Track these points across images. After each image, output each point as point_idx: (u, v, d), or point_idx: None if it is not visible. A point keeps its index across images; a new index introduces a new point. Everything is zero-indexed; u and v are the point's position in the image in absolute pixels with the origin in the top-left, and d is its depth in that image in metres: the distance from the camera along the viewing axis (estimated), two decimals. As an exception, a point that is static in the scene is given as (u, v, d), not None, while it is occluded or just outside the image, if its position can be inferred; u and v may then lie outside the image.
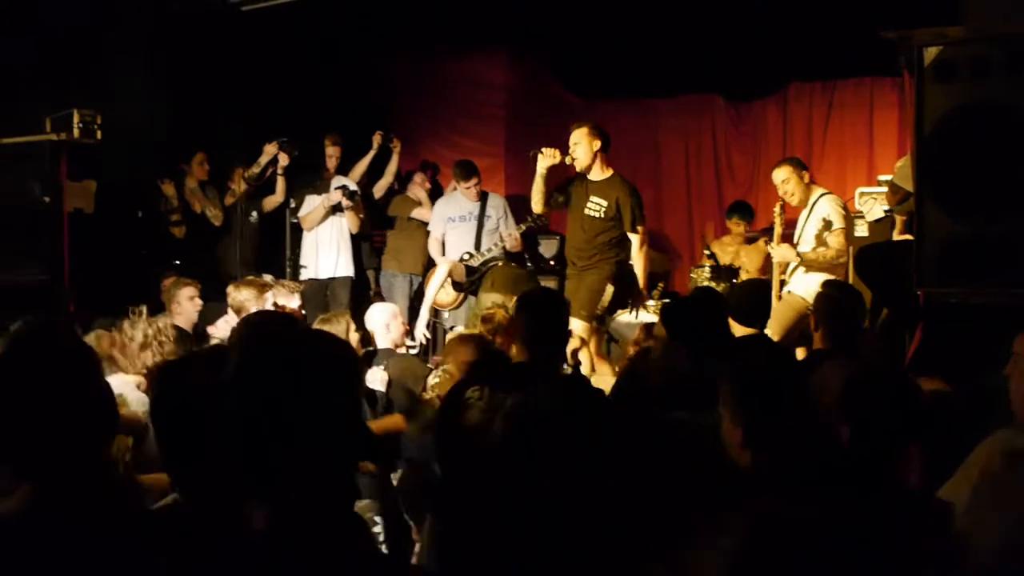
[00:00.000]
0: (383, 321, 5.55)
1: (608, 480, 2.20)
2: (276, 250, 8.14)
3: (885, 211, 7.03)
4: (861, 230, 7.25)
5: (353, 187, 8.12)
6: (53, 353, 2.04)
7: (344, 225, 8.18)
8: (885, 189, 6.95)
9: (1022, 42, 4.38)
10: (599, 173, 6.47)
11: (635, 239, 6.45)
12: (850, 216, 6.69)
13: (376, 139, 8.59)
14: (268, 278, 6.21)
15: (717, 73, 8.69)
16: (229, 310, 5.90)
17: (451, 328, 7.36)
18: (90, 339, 4.22)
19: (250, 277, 6.07)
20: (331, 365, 1.84)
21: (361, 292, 8.45)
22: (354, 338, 5.08)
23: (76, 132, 6.81)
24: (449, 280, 7.48)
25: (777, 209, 6.46)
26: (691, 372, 3.49)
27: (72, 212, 6.81)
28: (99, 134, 6.92)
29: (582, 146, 6.39)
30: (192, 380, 2.22)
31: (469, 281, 7.53)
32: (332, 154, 8.29)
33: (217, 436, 1.82)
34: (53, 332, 2.33)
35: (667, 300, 7.71)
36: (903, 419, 2.42)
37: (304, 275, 7.98)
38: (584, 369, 5.71)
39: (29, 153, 6.91)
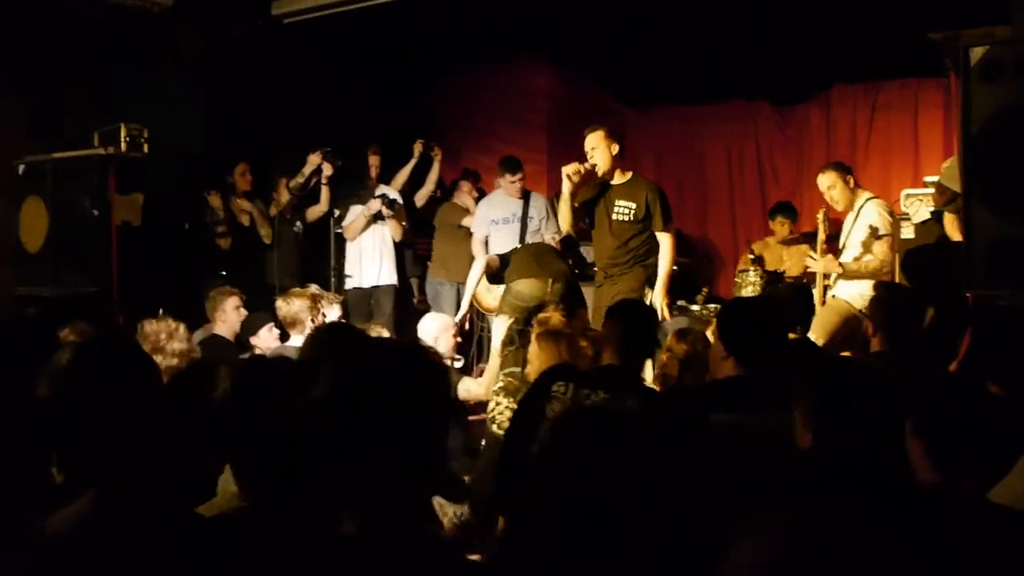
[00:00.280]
0: (434, 333, 5.58)
1: (670, 484, 2.21)
2: (320, 260, 8.20)
3: (931, 213, 6.94)
4: (907, 232, 7.16)
5: (393, 195, 8.17)
6: (119, 360, 2.08)
7: (387, 234, 8.21)
8: (931, 191, 6.87)
9: (1070, 40, 4.33)
10: (620, 176, 6.39)
11: (665, 238, 6.33)
12: (897, 222, 6.61)
13: (417, 148, 8.63)
14: (313, 288, 6.25)
15: (760, 77, 8.65)
16: (271, 323, 5.95)
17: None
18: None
19: (295, 288, 6.10)
20: (426, 377, 1.85)
21: (405, 300, 8.49)
22: None
23: (123, 146, 6.91)
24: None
25: (820, 215, 6.41)
26: (738, 376, 3.50)
27: (120, 225, 6.90)
28: (146, 148, 7.02)
29: (600, 150, 6.31)
30: (266, 389, 2.26)
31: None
32: (373, 163, 8.34)
33: (309, 446, 1.84)
34: (117, 341, 2.38)
35: (713, 305, 7.69)
36: (977, 428, 2.40)
37: (348, 284, 8.02)
38: None
39: (78, 168, 7.03)
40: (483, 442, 4.86)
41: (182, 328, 4.62)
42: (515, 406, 4.19)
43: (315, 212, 8.32)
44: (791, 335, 5.04)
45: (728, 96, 9.14)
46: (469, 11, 8.09)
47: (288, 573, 1.85)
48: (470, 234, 8.42)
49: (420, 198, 8.92)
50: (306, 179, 8.13)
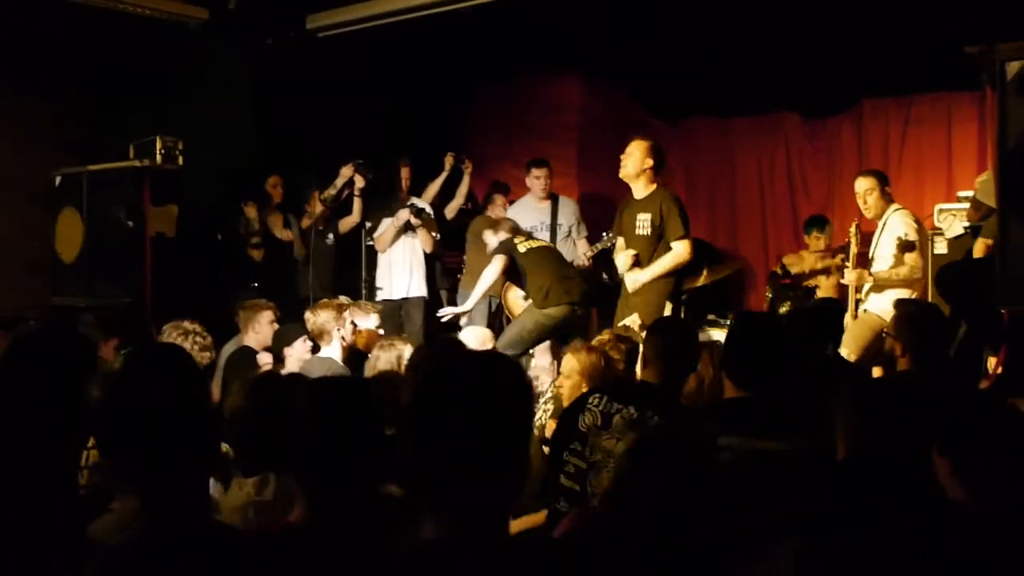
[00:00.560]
0: (473, 346, 5.61)
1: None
2: (352, 272, 8.23)
3: (965, 228, 6.89)
4: (940, 247, 7.12)
5: (422, 205, 8.20)
6: (171, 370, 2.11)
7: (417, 246, 8.24)
8: (964, 205, 6.83)
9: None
10: (643, 190, 6.42)
11: (678, 246, 6.30)
12: (924, 231, 6.58)
13: (448, 160, 8.67)
14: (344, 299, 6.28)
15: (791, 90, 8.61)
16: (306, 335, 5.98)
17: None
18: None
19: (324, 299, 6.12)
20: (512, 391, 1.87)
21: (435, 313, 8.50)
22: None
23: (159, 158, 6.98)
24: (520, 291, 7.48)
25: (853, 229, 6.39)
26: (739, 398, 3.50)
27: (154, 236, 6.97)
28: (180, 160, 7.09)
29: (633, 158, 6.36)
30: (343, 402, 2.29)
31: None
32: (404, 176, 8.38)
33: (405, 456, 1.86)
34: (168, 350, 2.42)
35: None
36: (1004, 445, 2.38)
37: (379, 296, 8.05)
38: None
39: (114, 179, 7.11)
40: None
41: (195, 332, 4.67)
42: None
43: (347, 224, 8.37)
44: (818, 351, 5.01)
45: (759, 109, 9.11)
46: (500, 25, 8.11)
47: None
48: (502, 246, 8.43)
49: (450, 211, 8.95)
50: (338, 191, 8.17)
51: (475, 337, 5.81)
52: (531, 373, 6.02)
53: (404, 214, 8.05)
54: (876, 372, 5.57)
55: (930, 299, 6.35)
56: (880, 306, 6.06)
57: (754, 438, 3.17)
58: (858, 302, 6.29)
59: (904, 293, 6.01)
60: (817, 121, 9.02)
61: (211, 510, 2.42)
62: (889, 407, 2.56)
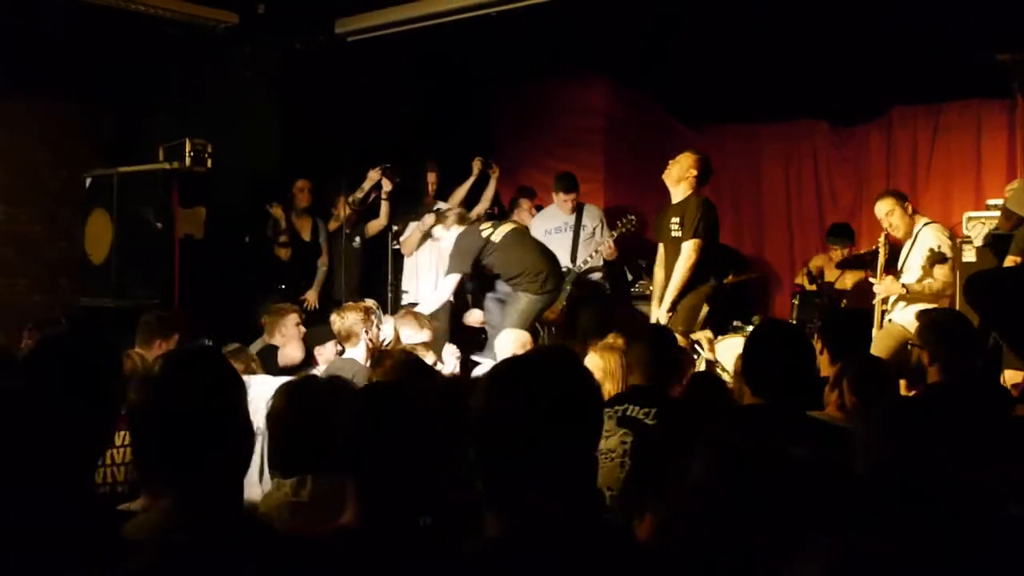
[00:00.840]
0: (510, 349, 5.61)
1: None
2: (379, 276, 8.26)
3: (993, 236, 6.83)
4: (969, 255, 7.06)
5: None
6: (212, 374, 2.13)
7: (443, 250, 8.25)
8: (994, 214, 6.76)
9: None
10: (680, 195, 6.54)
11: (686, 246, 6.39)
12: (956, 245, 6.53)
13: (476, 165, 8.69)
14: (370, 303, 6.30)
15: (819, 97, 8.57)
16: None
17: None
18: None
19: (349, 303, 6.14)
20: (577, 393, 1.89)
21: (460, 316, 8.50)
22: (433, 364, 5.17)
23: (188, 161, 7.05)
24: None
25: (882, 239, 6.35)
26: (754, 405, 3.50)
27: (183, 238, 7.03)
28: (209, 162, 7.14)
29: (680, 164, 6.54)
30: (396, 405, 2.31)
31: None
32: (431, 180, 8.41)
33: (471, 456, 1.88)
34: (210, 355, 2.44)
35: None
36: None
37: (405, 300, 8.08)
38: None
39: (143, 181, 7.17)
40: None
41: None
42: None
43: (375, 227, 8.39)
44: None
45: (786, 116, 9.07)
46: (527, 30, 8.12)
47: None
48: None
49: (476, 215, 8.95)
50: (365, 194, 8.21)
51: (514, 339, 5.82)
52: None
53: (430, 219, 8.06)
54: (901, 384, 5.52)
55: (958, 308, 6.29)
56: (905, 318, 6.02)
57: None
58: (883, 312, 6.25)
59: (931, 307, 5.96)
60: (845, 129, 8.97)
61: (249, 510, 2.43)
62: (920, 426, 2.55)
